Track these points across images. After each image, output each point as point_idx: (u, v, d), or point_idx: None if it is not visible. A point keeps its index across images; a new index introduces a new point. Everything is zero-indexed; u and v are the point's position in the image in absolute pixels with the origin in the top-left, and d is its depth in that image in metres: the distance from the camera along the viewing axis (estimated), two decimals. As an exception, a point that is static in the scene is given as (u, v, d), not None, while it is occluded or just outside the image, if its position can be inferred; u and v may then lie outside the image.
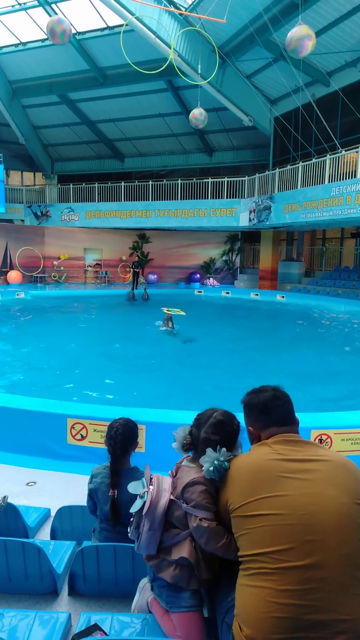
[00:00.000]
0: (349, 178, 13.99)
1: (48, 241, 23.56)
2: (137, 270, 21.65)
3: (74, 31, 17.03)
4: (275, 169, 17.82)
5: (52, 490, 3.73)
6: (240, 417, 1.85)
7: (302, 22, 10.46)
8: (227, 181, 19.80)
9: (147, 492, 1.76)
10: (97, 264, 24.39)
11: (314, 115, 16.27)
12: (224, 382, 7.46)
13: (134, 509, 1.77)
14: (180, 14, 15.57)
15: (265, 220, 17.81)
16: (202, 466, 1.68)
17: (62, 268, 23.76)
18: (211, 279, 23.81)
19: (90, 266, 24.34)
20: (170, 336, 11.45)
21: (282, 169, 17.31)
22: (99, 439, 4.25)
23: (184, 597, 1.70)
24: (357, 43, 14.62)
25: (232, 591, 1.52)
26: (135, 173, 25.19)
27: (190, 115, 15.46)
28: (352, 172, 13.98)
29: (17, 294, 18.66)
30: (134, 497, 1.84)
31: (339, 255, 21.59)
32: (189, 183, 20.43)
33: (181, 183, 20.50)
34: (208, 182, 20.01)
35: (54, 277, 23.46)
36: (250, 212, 18.71)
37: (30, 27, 18.00)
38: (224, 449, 1.66)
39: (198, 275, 24.11)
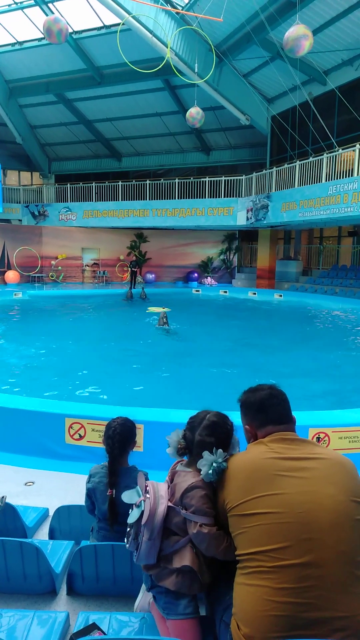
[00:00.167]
0: (346, 176, 14.01)
1: (45, 241, 23.52)
2: (135, 269, 21.65)
3: (70, 30, 16.95)
4: (272, 168, 17.83)
5: (50, 490, 3.72)
6: (234, 416, 1.85)
7: (299, 22, 10.46)
8: (225, 180, 19.82)
9: (144, 500, 1.71)
10: (94, 263, 24.37)
11: (311, 114, 16.27)
12: (221, 381, 7.47)
13: (131, 519, 1.72)
14: (177, 13, 15.55)
15: (262, 219, 17.82)
16: (200, 470, 1.66)
17: (59, 268, 23.74)
18: (209, 278, 23.83)
19: (88, 266, 24.32)
20: (165, 334, 11.51)
21: (279, 168, 17.33)
22: (97, 438, 4.25)
23: (182, 603, 1.67)
24: (353, 41, 14.64)
25: (230, 590, 1.52)
26: (132, 172, 25.17)
27: (187, 114, 15.45)
28: (349, 170, 14.00)
29: (15, 294, 18.63)
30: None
31: (336, 254, 21.61)
32: (186, 182, 20.43)
33: (178, 182, 20.49)
34: (205, 181, 20.02)
35: (52, 276, 23.43)
36: (248, 211, 18.71)
37: (27, 26, 17.97)
38: (220, 450, 1.64)
39: (196, 275, 24.13)
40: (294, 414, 1.73)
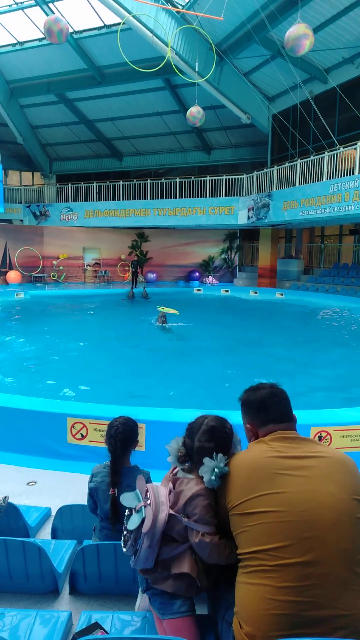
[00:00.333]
0: (347, 175, 13.99)
1: (47, 241, 23.55)
2: (136, 269, 21.65)
3: (71, 30, 16.96)
4: (273, 167, 17.81)
5: (52, 489, 3.73)
6: (235, 415, 1.85)
7: (300, 20, 10.44)
8: (226, 179, 19.80)
9: (145, 506, 1.67)
10: (96, 263, 24.38)
11: (312, 113, 16.25)
12: (222, 380, 7.47)
13: (131, 526, 1.67)
14: (178, 12, 15.53)
15: (263, 218, 17.80)
16: (202, 477, 1.63)
17: (61, 267, 23.76)
18: (210, 277, 23.82)
19: (89, 265, 24.34)
20: (164, 332, 11.57)
21: (280, 167, 17.30)
22: (99, 438, 4.25)
23: (177, 603, 1.67)
24: (354, 39, 14.60)
25: (232, 589, 1.52)
26: (133, 172, 25.17)
27: (187, 114, 15.44)
28: (350, 169, 13.98)
29: (17, 294, 18.65)
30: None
31: (338, 253, 21.58)
32: (187, 181, 20.42)
33: (179, 181, 20.49)
34: (206, 180, 20.01)
35: (53, 276, 23.46)
36: (249, 209, 18.70)
37: (28, 26, 17.97)
38: (220, 454, 1.62)
39: (197, 274, 24.12)
40: (295, 412, 1.73)
